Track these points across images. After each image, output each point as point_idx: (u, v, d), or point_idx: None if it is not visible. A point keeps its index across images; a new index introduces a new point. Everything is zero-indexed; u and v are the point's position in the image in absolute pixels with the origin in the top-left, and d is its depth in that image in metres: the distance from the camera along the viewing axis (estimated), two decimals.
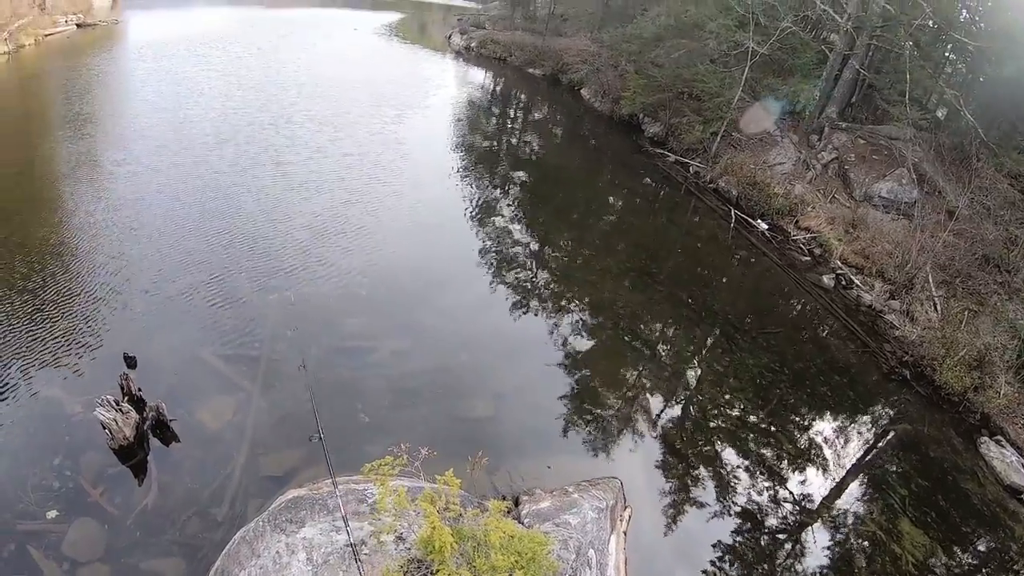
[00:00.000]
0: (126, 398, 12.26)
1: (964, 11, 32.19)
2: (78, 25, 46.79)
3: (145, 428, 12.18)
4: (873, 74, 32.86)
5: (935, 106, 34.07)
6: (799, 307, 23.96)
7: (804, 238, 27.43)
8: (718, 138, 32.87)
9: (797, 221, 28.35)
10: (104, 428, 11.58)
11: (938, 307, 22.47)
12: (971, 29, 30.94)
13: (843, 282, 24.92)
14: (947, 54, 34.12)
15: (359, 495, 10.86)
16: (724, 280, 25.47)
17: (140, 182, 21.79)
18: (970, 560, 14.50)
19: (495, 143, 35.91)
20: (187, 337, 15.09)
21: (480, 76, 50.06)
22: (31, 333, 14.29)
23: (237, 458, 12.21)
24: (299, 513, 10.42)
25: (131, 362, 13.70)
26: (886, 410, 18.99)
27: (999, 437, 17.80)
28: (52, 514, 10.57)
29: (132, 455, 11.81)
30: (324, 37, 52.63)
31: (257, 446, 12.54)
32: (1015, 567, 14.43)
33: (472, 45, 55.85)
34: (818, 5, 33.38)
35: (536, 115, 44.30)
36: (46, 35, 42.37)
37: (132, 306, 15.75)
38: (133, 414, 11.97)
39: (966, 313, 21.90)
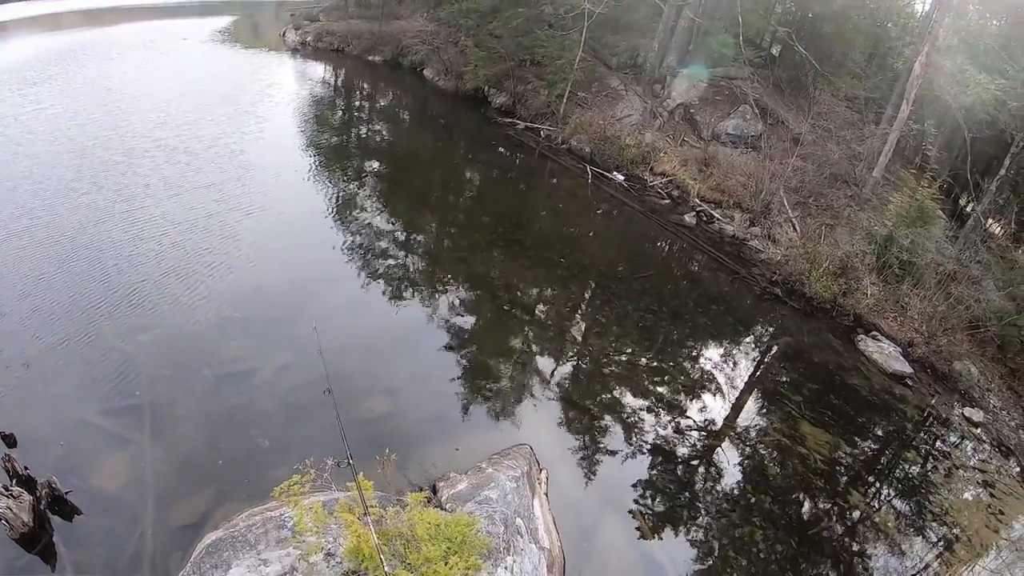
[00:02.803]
0: (14, 480, 10.87)
1: None
2: None
3: (42, 508, 10.81)
4: (708, 21, 33.70)
5: (769, 44, 35.39)
6: (667, 248, 24.23)
7: (661, 183, 27.79)
8: (564, 100, 32.86)
9: (652, 168, 28.70)
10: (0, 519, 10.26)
11: (796, 227, 23.23)
12: None
13: (704, 218, 25.45)
14: None
15: (277, 521, 10.16)
16: (591, 235, 25.41)
17: None
18: (871, 445, 15.03)
19: (344, 137, 34.60)
20: (61, 401, 13.42)
21: (319, 70, 48.28)
22: None
23: (146, 516, 11.10)
24: (223, 556, 9.64)
25: (10, 440, 12.07)
26: (766, 328, 19.47)
27: (874, 333, 18.54)
28: None
29: (36, 540, 10.50)
30: (154, 52, 49.57)
31: (162, 498, 11.43)
32: (913, 443, 15.01)
33: (308, 40, 53.85)
34: None
35: (381, 102, 43.20)
36: None
37: None
38: (26, 496, 10.61)
39: (823, 228, 22.77)
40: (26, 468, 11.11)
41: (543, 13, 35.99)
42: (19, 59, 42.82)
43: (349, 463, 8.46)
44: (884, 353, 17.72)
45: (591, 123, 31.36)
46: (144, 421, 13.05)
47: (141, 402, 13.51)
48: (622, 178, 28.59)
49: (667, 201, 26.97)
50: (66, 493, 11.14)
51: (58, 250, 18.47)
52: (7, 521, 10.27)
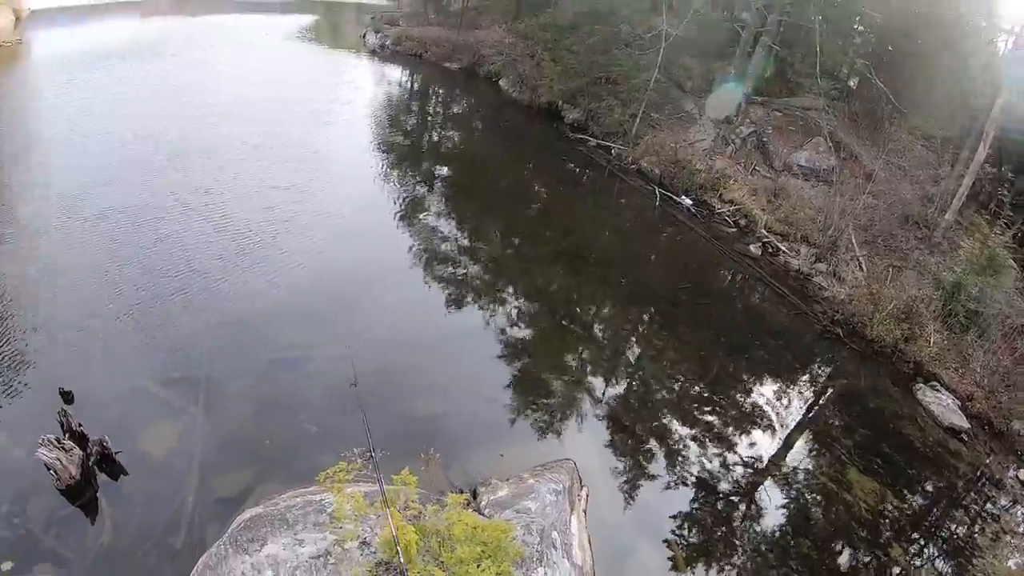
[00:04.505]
0: (67, 435, 11.50)
1: None
2: None
3: (91, 464, 11.47)
4: (785, 49, 33.51)
5: (847, 76, 34.97)
6: (730, 277, 24.23)
7: (729, 210, 27.72)
8: (637, 120, 33.01)
9: (720, 195, 28.63)
10: (49, 469, 10.90)
11: (863, 266, 23.00)
12: (878, 1, 31.87)
13: (770, 250, 25.31)
14: (856, 26, 35.04)
15: (317, 505, 10.58)
16: (654, 257, 25.59)
17: (55, 210, 20.24)
18: (919, 499, 14.85)
19: (417, 140, 35.31)
20: (122, 366, 14.25)
21: (397, 74, 49.22)
22: None
23: (189, 484, 11.67)
24: (260, 531, 10.09)
25: (68, 397, 12.87)
26: (823, 368, 19.35)
27: (934, 382, 18.29)
28: (7, 566, 10.02)
29: (81, 494, 11.15)
30: (239, 45, 51.14)
31: (207, 469, 12.00)
32: (963, 501, 14.80)
33: (387, 43, 54.92)
34: None
35: (456, 109, 43.87)
36: None
37: (59, 341, 14.66)
38: (77, 451, 11.26)
39: (890, 270, 22.50)
40: (80, 425, 11.74)
41: (621, 32, 36.19)
42: (113, 43, 44.70)
43: (371, 456, 8.81)
44: (942, 405, 17.48)
45: (663, 145, 31.44)
46: (198, 394, 13.73)
47: (198, 376, 14.22)
48: (690, 203, 28.62)
49: (733, 230, 26.92)
50: (115, 453, 11.79)
51: (138, 228, 19.53)
52: (55, 472, 10.89)
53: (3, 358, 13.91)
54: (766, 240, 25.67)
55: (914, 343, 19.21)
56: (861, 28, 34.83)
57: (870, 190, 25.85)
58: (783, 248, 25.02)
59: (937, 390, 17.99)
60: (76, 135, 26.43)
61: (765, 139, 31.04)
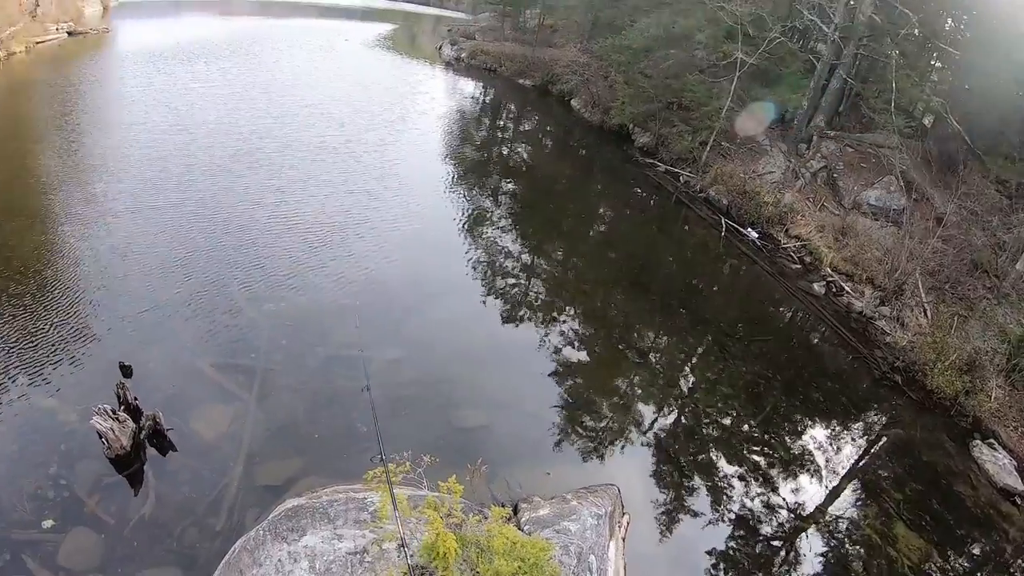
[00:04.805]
0: (122, 407, 12.19)
1: (949, 20, 32.62)
2: (69, 33, 46.69)
3: (141, 437, 12.11)
4: (860, 83, 33.19)
5: (921, 114, 34.39)
6: (790, 314, 24.13)
7: (794, 246, 27.59)
8: (707, 148, 33.05)
9: (787, 229, 28.52)
10: (100, 437, 11.53)
11: (928, 312, 22.65)
12: (956, 38, 31.34)
13: (833, 289, 25.07)
14: (933, 62, 34.48)
15: (359, 503, 10.86)
16: (715, 288, 25.63)
17: (132, 194, 21.64)
18: (965, 563, 14.58)
19: (486, 153, 36.01)
20: (182, 347, 15.04)
21: (471, 87, 50.17)
22: (24, 342, 14.24)
23: (234, 468, 12.16)
24: (300, 522, 10.42)
25: (126, 370, 13.67)
26: (878, 415, 19.13)
27: (991, 440, 17.95)
28: (48, 524, 10.48)
29: (128, 464, 11.74)
30: (318, 49, 52.61)
31: (254, 456, 12.50)
32: (1011, 569, 14.52)
33: (463, 56, 56.00)
34: (806, 15, 33.70)
35: (526, 125, 44.44)
36: (37, 43, 42.26)
37: (126, 316, 15.65)
38: (130, 423, 11.92)
39: (956, 318, 22.09)
40: (135, 398, 12.47)
41: (695, 58, 36.31)
42: (193, 39, 46.50)
43: (382, 459, 9.04)
44: (998, 464, 17.09)
45: (732, 175, 31.48)
46: (253, 382, 14.39)
47: (254, 364, 14.91)
48: (756, 235, 28.58)
49: (797, 266, 26.76)
50: (167, 430, 12.42)
51: (210, 219, 20.83)
52: (107, 440, 11.53)
53: (72, 329, 14.90)
54: (830, 279, 25.45)
55: (974, 397, 18.85)
56: (938, 64, 34.29)
57: (940, 234, 25.40)
58: (847, 288, 24.77)
59: (994, 448, 17.62)
60: (156, 125, 28.00)
61: (836, 175, 30.75)
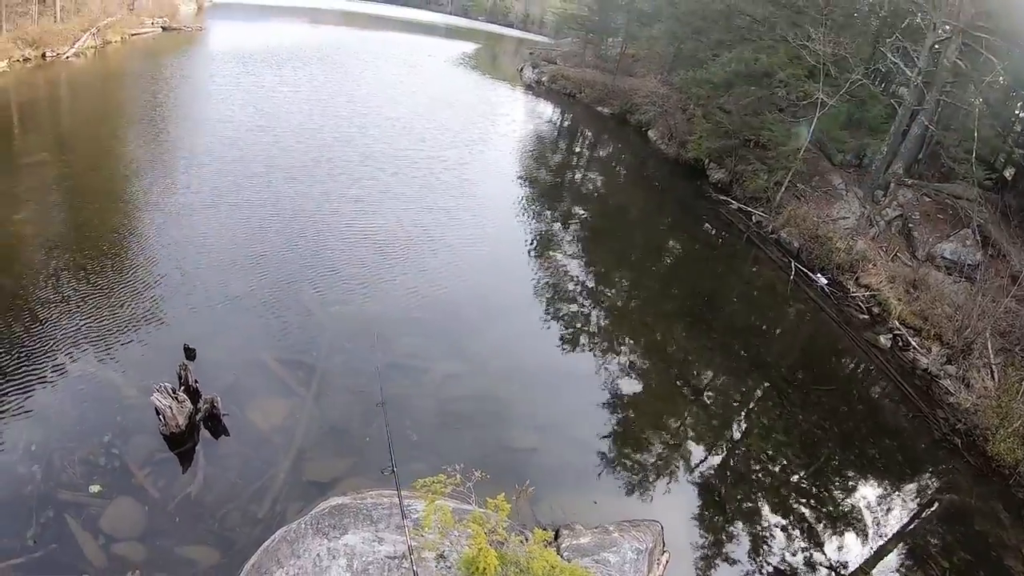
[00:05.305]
0: (183, 388, 12.76)
1: None
2: (163, 28, 49.32)
3: (197, 419, 12.62)
4: (941, 131, 32.62)
5: (1003, 166, 33.66)
6: (853, 365, 23.91)
7: (863, 295, 27.28)
8: (782, 188, 32.93)
9: (857, 278, 28.21)
10: (158, 414, 12.08)
11: (995, 375, 22.20)
12: None
13: (900, 343, 24.70)
14: (1017, 112, 33.71)
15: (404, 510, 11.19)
16: (779, 332, 25.57)
17: (212, 189, 22.82)
18: None
19: (561, 179, 36.56)
20: (247, 337, 15.74)
21: (549, 111, 50.90)
22: (97, 318, 15.07)
23: (283, 460, 12.55)
24: (343, 520, 10.70)
25: (191, 354, 14.29)
26: (934, 478, 18.86)
27: None
28: (95, 488, 10.91)
29: (181, 443, 12.21)
30: (402, 63, 54.05)
31: (304, 451, 12.91)
32: None
33: (543, 79, 56.86)
34: (889, 58, 33.38)
35: (602, 153, 44.90)
36: (132, 34, 44.89)
37: (196, 301, 16.50)
38: (188, 404, 12.45)
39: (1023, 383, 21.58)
40: (196, 381, 13.10)
41: (775, 95, 36.18)
42: (282, 43, 48.32)
43: (393, 471, 9.20)
44: None
45: (805, 218, 31.29)
46: (312, 380, 14.91)
47: (315, 363, 15.46)
48: (825, 281, 28.37)
49: (865, 316, 26.46)
50: (223, 415, 12.93)
51: (288, 222, 21.81)
52: (164, 418, 12.11)
53: (142, 311, 15.74)
54: (897, 332, 25.07)
55: None
56: (1022, 115, 33.51)
57: (1014, 293, 24.85)
58: (914, 343, 24.39)
59: None
60: (241, 124, 29.53)
61: (911, 225, 30.35)
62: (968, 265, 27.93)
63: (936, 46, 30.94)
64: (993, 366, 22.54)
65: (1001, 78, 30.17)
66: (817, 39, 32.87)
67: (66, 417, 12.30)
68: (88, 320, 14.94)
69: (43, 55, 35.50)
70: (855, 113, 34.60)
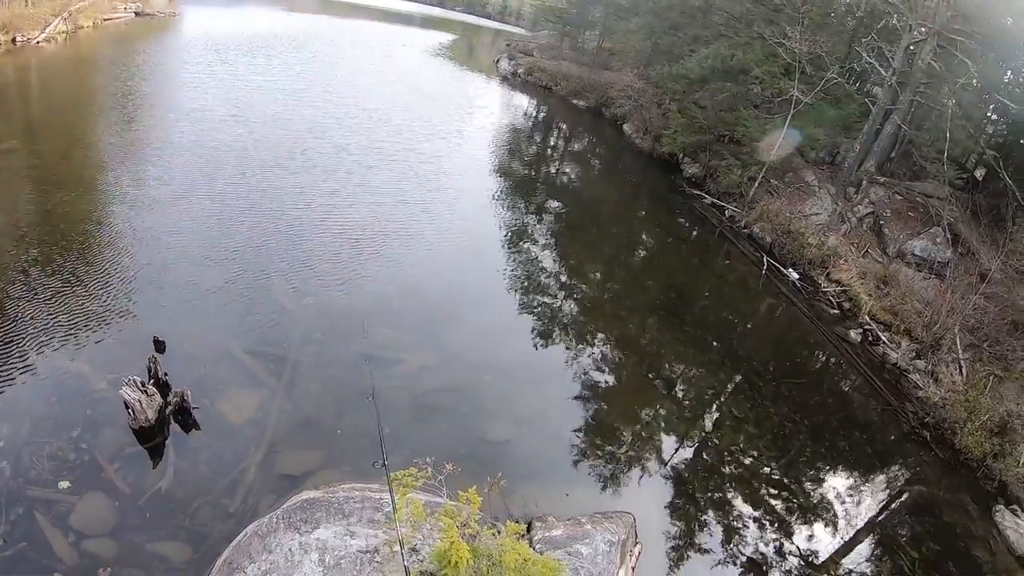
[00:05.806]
0: (152, 381, 12.53)
1: (1008, 72, 32.30)
2: (136, 14, 48.51)
3: (167, 413, 12.40)
4: (914, 130, 32.98)
5: (974, 166, 34.10)
6: (824, 359, 24.08)
7: (834, 291, 27.46)
8: (755, 184, 33.07)
9: (828, 273, 28.40)
10: (127, 407, 11.83)
11: (963, 370, 22.47)
12: (1014, 91, 31.05)
13: (870, 338, 24.90)
14: (989, 114, 34.16)
15: (375, 503, 11.02)
16: (750, 326, 25.67)
17: (184, 180, 22.35)
18: None
19: (535, 171, 36.48)
20: (218, 330, 15.44)
21: (525, 103, 50.79)
22: (65, 307, 14.72)
23: (255, 454, 12.37)
24: (314, 514, 10.59)
25: (160, 346, 14.00)
26: (903, 470, 19.01)
27: (1015, 507, 17.79)
28: (64, 484, 10.73)
29: (151, 437, 11.98)
30: (379, 52, 53.65)
31: (276, 444, 12.71)
32: None
33: (519, 71, 56.73)
34: (864, 58, 33.66)
35: (576, 146, 44.86)
36: (104, 19, 44.10)
37: (166, 294, 16.16)
38: (158, 397, 12.22)
39: (991, 378, 21.84)
40: (166, 374, 12.90)
41: (751, 92, 36.27)
42: (257, 30, 47.80)
43: (384, 464, 8.94)
44: (1019, 532, 16.88)
45: (777, 213, 31.43)
46: (283, 372, 14.68)
47: (287, 355, 15.22)
48: (796, 276, 28.54)
49: (836, 311, 26.62)
50: (193, 408, 12.70)
51: (261, 213, 21.46)
52: (133, 411, 11.84)
53: (111, 302, 15.39)
54: (867, 327, 25.28)
55: (1003, 461, 18.61)
56: (994, 117, 33.97)
57: (983, 290, 25.17)
58: (884, 338, 24.62)
59: (1017, 515, 17.40)
60: (214, 114, 29.18)
61: (882, 222, 30.64)
62: (938, 262, 28.25)
63: (911, 47, 31.28)
64: (962, 361, 22.80)
65: (975, 80, 30.49)
66: (793, 37, 33.04)
67: (34, 412, 12.01)
68: (56, 313, 14.55)
69: (13, 40, 34.63)
70: (830, 111, 34.81)
